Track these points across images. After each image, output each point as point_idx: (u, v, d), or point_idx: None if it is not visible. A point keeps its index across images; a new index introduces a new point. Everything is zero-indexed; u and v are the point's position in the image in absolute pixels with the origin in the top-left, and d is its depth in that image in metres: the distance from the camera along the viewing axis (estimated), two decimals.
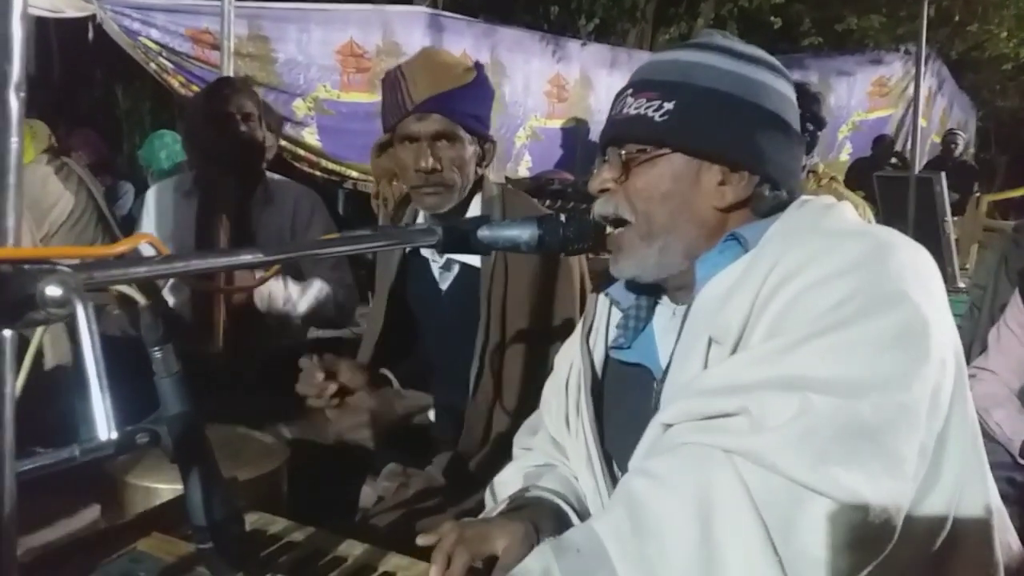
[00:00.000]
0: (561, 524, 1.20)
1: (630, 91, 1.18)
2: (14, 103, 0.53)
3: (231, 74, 4.12)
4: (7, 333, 0.56)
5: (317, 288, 2.46)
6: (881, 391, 0.95)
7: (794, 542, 0.93)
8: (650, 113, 1.13)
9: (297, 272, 2.52)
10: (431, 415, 1.75)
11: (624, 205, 1.17)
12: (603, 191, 1.19)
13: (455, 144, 1.74)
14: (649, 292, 1.25)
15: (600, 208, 1.20)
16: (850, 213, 1.14)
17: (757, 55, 1.18)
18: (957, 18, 10.97)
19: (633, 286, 1.25)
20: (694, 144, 1.13)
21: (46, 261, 0.59)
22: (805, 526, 0.93)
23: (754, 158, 1.13)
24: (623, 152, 1.16)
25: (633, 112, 1.15)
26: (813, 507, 0.92)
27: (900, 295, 0.98)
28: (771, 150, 1.14)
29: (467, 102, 1.74)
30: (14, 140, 0.54)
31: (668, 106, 1.13)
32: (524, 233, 1.13)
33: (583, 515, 1.23)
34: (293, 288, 2.41)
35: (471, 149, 1.77)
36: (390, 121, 1.77)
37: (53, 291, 0.58)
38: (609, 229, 1.20)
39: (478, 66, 1.80)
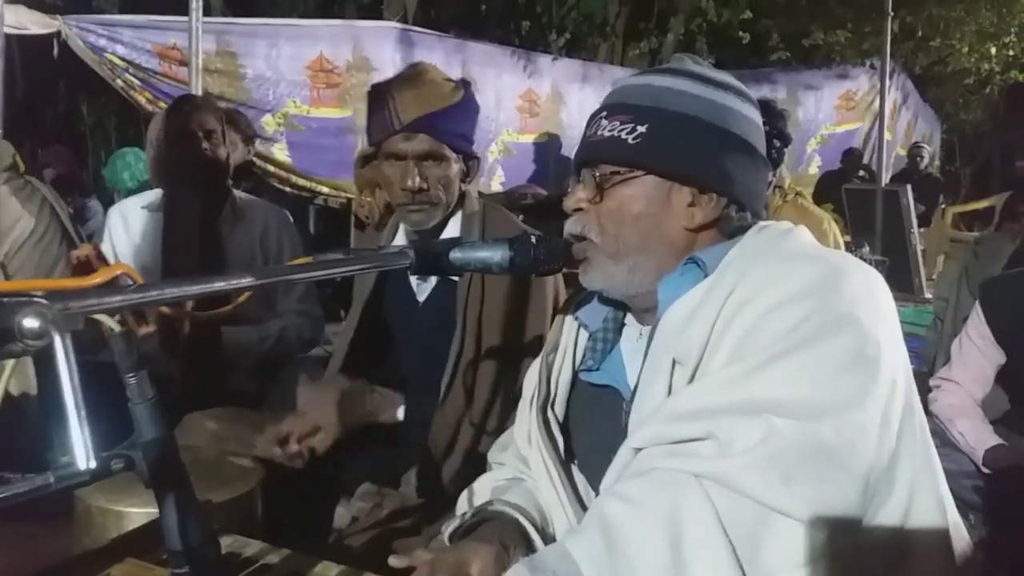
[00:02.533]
0: (524, 538, 1.23)
1: (604, 113, 1.21)
2: None
3: (199, 90, 4.10)
4: None
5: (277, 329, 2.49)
6: (839, 412, 0.99)
7: (760, 562, 0.96)
8: (623, 135, 1.16)
9: (266, 298, 2.51)
10: (400, 413, 1.77)
11: (594, 226, 1.20)
12: (576, 210, 1.22)
13: (441, 163, 1.76)
14: (616, 314, 1.28)
15: (571, 227, 1.22)
16: (807, 237, 1.19)
17: (726, 81, 1.21)
18: (920, 33, 11.19)
19: (600, 308, 1.29)
20: (665, 166, 1.16)
21: (23, 293, 0.59)
22: (771, 546, 0.96)
23: (722, 181, 1.17)
24: (596, 173, 1.19)
25: (607, 134, 1.18)
26: (778, 527, 0.96)
27: (851, 318, 1.03)
28: (738, 173, 1.17)
29: (454, 121, 1.76)
30: None
31: (641, 129, 1.16)
32: (496, 255, 1.14)
33: (542, 529, 1.26)
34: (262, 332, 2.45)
35: (456, 167, 1.79)
36: (376, 137, 1.78)
37: (31, 323, 0.58)
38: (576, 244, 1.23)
39: (465, 84, 1.81)
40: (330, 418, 1.69)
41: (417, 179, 1.73)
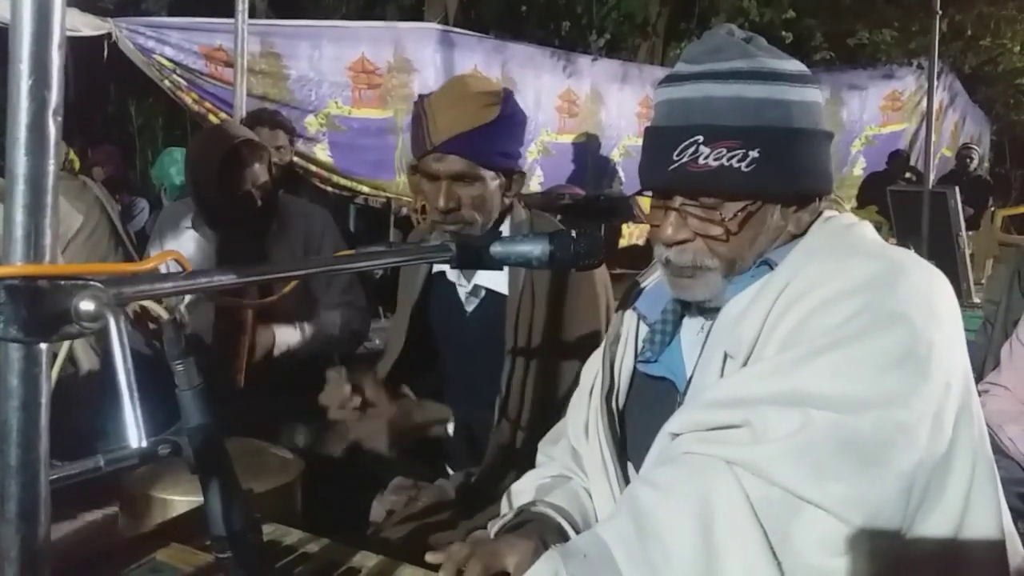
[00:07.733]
0: (564, 539, 1.20)
1: (700, 139, 1.11)
2: (52, 128, 0.56)
3: (244, 91, 4.12)
4: (43, 346, 0.59)
5: (329, 324, 2.53)
6: (881, 409, 0.97)
7: (791, 547, 0.96)
8: (735, 164, 1.10)
9: (308, 292, 2.54)
10: (450, 428, 1.76)
11: (705, 254, 1.15)
12: (680, 242, 1.17)
13: (475, 183, 1.72)
14: (675, 306, 1.26)
15: (678, 259, 1.17)
16: (870, 233, 1.17)
17: (800, 71, 1.16)
18: (969, 32, 10.98)
19: (659, 299, 1.27)
20: (784, 189, 1.14)
21: (80, 277, 0.61)
22: (801, 535, 0.96)
23: (826, 183, 1.17)
24: (722, 215, 1.12)
25: (714, 164, 1.10)
26: (809, 517, 0.96)
27: (903, 316, 1.01)
28: (830, 167, 1.18)
29: (489, 140, 1.70)
30: (51, 163, 0.56)
31: (753, 154, 1.09)
32: (536, 249, 1.14)
33: (583, 531, 1.23)
34: (307, 331, 2.49)
35: (493, 185, 1.74)
36: (414, 153, 1.77)
37: (87, 306, 0.60)
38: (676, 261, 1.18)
39: (506, 95, 1.75)
40: (380, 440, 1.66)
41: (447, 200, 1.70)
